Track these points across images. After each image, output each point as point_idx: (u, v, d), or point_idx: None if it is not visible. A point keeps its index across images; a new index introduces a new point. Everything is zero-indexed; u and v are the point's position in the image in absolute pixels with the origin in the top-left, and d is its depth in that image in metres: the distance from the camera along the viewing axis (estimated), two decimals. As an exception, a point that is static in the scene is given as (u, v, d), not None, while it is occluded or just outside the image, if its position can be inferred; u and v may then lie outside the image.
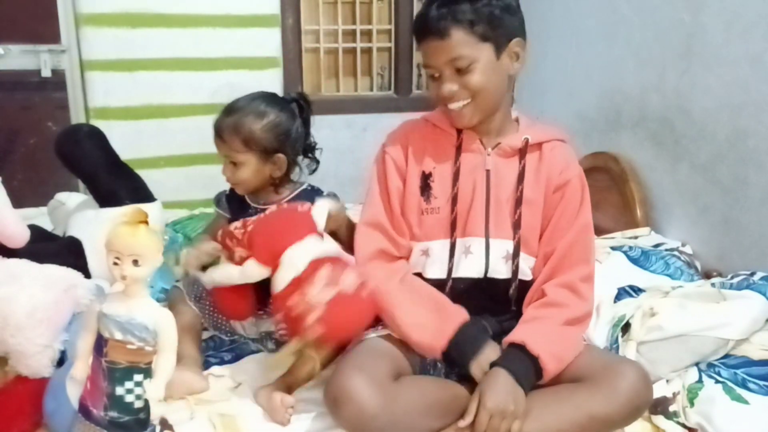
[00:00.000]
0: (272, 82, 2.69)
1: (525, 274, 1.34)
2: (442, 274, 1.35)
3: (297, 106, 1.48)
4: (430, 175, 1.36)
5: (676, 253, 1.89)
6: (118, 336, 1.01)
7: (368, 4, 2.85)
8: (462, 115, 1.30)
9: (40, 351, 1.32)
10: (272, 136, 1.42)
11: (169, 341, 1.05)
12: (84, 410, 1.05)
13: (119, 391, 1.03)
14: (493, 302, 1.35)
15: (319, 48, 2.84)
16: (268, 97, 1.47)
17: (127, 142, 2.35)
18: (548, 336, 1.23)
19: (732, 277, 1.61)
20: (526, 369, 1.20)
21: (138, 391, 1.04)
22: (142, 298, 1.03)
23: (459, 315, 1.28)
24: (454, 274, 1.34)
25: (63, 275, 1.48)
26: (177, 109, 2.62)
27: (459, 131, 1.36)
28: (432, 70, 1.29)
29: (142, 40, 2.53)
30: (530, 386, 1.20)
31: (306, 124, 1.50)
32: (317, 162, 1.55)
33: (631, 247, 1.88)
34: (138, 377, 1.03)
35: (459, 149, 1.35)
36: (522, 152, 1.34)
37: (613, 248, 1.88)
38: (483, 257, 1.33)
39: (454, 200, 1.34)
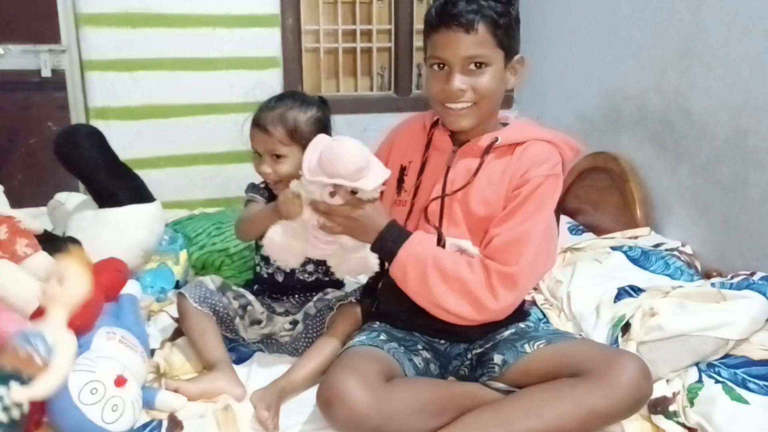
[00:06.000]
0: (272, 82, 2.69)
1: None
2: None
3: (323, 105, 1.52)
4: (405, 168, 1.41)
5: (676, 253, 1.89)
6: (17, 341, 1.05)
7: (368, 4, 2.85)
8: (461, 116, 1.28)
9: None
10: (315, 129, 1.43)
11: (61, 364, 1.06)
12: None
13: None
14: None
15: (319, 48, 2.84)
16: (302, 95, 1.52)
17: (127, 142, 2.36)
18: (430, 252, 1.24)
19: (732, 277, 1.61)
20: (386, 242, 1.25)
21: (7, 402, 1.02)
22: (56, 320, 1.10)
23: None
24: None
25: None
26: (177, 109, 2.61)
27: (431, 129, 1.38)
28: (440, 62, 1.25)
29: (142, 40, 2.52)
30: (377, 250, 1.27)
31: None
32: None
33: (631, 247, 1.89)
34: (14, 385, 1.03)
35: (428, 145, 1.37)
36: (485, 151, 1.30)
37: (613, 248, 1.88)
38: None
39: (414, 194, 1.36)
